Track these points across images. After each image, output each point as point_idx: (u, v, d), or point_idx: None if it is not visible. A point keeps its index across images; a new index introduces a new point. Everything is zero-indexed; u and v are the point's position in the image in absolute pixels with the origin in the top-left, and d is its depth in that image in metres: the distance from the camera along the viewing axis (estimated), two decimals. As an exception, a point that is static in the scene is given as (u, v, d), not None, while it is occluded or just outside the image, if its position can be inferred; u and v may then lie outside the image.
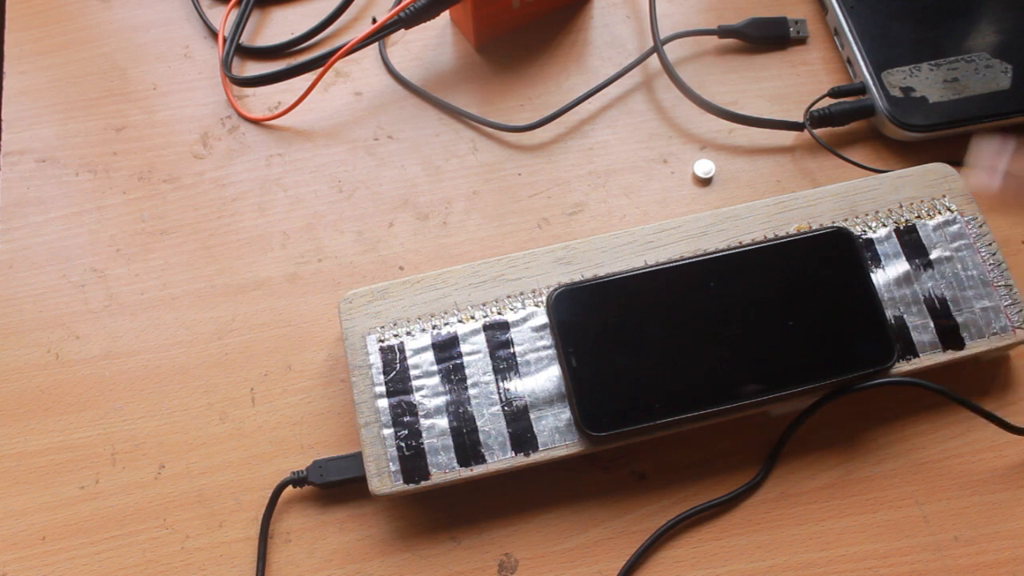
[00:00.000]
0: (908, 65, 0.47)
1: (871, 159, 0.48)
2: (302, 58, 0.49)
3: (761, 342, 0.38)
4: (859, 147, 0.48)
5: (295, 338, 0.43)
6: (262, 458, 0.41)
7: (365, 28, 0.48)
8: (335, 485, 0.39)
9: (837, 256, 0.39)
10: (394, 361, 0.39)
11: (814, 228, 0.41)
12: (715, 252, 0.40)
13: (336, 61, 0.47)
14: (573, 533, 0.39)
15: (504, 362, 0.39)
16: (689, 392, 0.37)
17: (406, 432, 0.37)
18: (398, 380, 0.38)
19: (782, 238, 0.40)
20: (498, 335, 0.39)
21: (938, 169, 0.42)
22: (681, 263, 0.39)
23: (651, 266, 0.39)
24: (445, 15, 0.52)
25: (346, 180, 0.48)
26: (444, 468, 0.37)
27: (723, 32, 0.51)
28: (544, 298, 0.39)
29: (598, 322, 0.38)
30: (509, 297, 0.40)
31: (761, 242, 0.40)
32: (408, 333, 0.39)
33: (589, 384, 0.37)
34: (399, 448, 0.37)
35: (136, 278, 0.45)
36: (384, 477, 0.37)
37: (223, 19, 0.51)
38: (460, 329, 0.39)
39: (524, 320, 0.39)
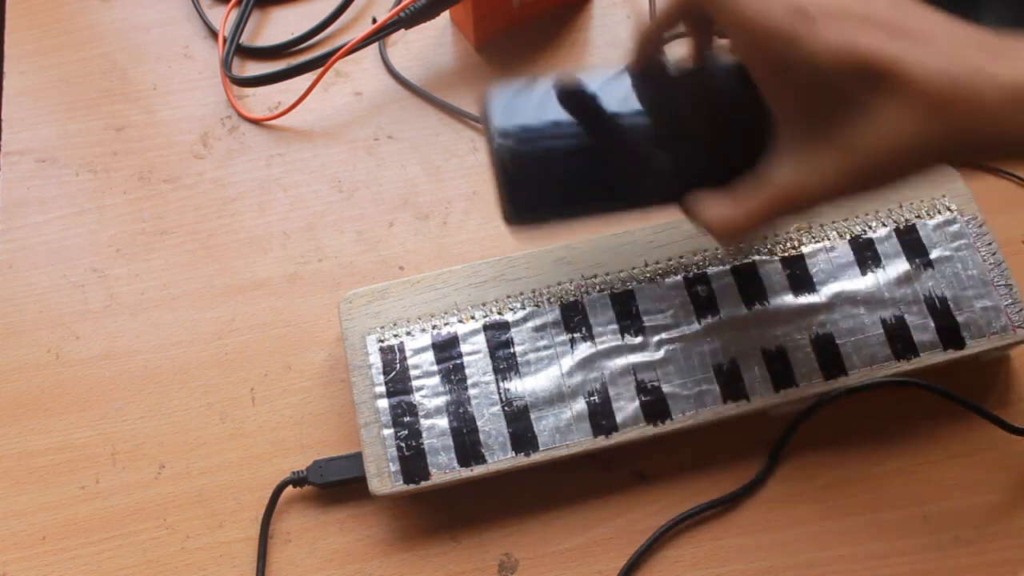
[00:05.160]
0: (908, 65, 0.47)
1: (871, 159, 0.47)
2: (302, 58, 0.49)
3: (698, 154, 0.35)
4: (859, 147, 0.48)
5: (295, 338, 0.43)
6: (262, 458, 0.41)
7: (365, 28, 0.48)
8: (335, 485, 0.39)
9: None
10: (394, 361, 0.39)
11: None
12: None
13: (336, 61, 0.47)
14: (573, 533, 0.39)
15: (504, 362, 0.39)
16: (619, 187, 0.35)
17: (406, 432, 0.37)
18: (398, 380, 0.38)
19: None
20: (498, 335, 0.39)
21: (938, 169, 0.42)
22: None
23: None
24: (445, 15, 0.52)
25: (346, 180, 0.48)
26: (444, 468, 0.37)
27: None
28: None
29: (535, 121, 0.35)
30: (509, 297, 0.40)
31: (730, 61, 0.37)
32: (408, 333, 0.39)
33: (517, 175, 0.35)
34: (399, 448, 0.37)
35: (136, 278, 0.45)
36: (384, 477, 0.37)
37: (223, 19, 0.51)
38: (460, 329, 0.39)
39: (524, 320, 0.39)
